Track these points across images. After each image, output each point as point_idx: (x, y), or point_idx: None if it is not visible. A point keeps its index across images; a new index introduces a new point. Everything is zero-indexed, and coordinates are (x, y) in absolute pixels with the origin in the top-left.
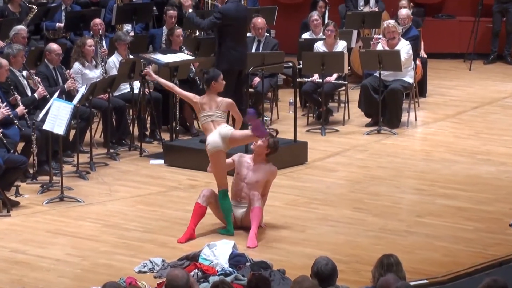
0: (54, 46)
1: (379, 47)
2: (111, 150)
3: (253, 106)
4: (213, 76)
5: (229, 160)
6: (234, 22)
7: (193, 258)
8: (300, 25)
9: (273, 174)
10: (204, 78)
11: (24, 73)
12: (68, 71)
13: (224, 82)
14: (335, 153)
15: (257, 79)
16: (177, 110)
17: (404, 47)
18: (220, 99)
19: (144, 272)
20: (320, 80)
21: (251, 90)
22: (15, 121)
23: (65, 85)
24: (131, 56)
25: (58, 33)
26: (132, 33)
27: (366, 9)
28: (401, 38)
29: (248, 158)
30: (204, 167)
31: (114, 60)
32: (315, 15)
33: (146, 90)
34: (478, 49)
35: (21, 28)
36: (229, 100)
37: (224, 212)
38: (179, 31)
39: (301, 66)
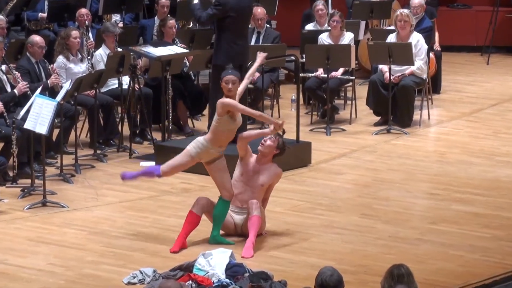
0: (36, 38)
1: (389, 38)
2: (98, 151)
3: (251, 103)
4: None
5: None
6: (235, 13)
7: (187, 269)
8: (303, 15)
9: (278, 177)
10: None
11: (3, 67)
12: (52, 65)
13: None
14: (341, 154)
15: (256, 74)
16: (170, 107)
17: (419, 39)
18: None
19: (134, 284)
20: (325, 75)
21: (250, 86)
22: None
23: (48, 81)
24: (119, 49)
25: (40, 24)
26: (121, 24)
27: None
28: (413, 30)
29: (253, 159)
30: (199, 170)
31: (102, 54)
32: (319, 4)
33: (136, 85)
34: (497, 41)
35: (0, 18)
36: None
37: (215, 217)
38: (172, 22)
39: (304, 60)
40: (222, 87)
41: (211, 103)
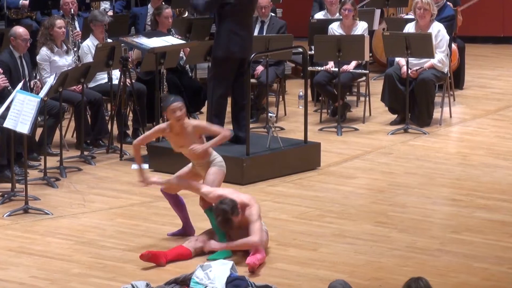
0: (20, 30)
1: (407, 28)
2: (85, 153)
3: (255, 100)
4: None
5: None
6: (234, 1)
7: (184, 282)
8: (313, 2)
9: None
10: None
11: None
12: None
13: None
14: (353, 156)
15: (260, 68)
16: None
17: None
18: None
19: None
20: (336, 69)
21: (253, 80)
22: None
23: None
24: (109, 40)
25: (21, 13)
26: (110, 13)
27: None
28: (434, 20)
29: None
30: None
31: (89, 45)
32: None
33: (128, 80)
34: None
35: None
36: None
37: (215, 229)
38: (168, 11)
39: (313, 52)
40: (169, 117)
41: (210, 100)
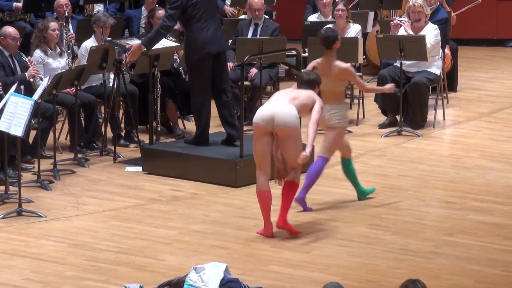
0: (9, 29)
1: (401, 31)
2: (79, 155)
3: (248, 103)
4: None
5: None
6: (193, 0)
7: (177, 284)
8: (306, 5)
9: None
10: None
11: None
12: (29, 57)
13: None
14: None
15: (254, 70)
16: (158, 107)
17: (431, 32)
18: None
19: None
20: None
21: (247, 83)
22: None
23: (26, 73)
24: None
25: (15, 15)
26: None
27: None
28: (428, 21)
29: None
30: (190, 175)
31: (88, 46)
32: None
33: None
34: None
35: None
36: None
37: (350, 178)
38: (161, 12)
39: (306, 54)
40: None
41: (192, 103)
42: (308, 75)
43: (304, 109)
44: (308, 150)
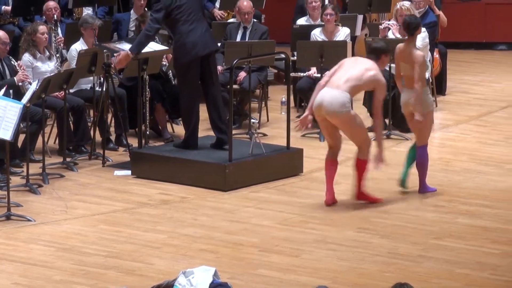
0: None
1: (390, 35)
2: (68, 159)
3: (237, 106)
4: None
5: None
6: (177, 3)
7: None
8: (295, 8)
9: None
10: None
11: None
12: (19, 62)
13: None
14: None
15: (243, 74)
16: (147, 110)
17: (419, 35)
18: None
19: None
20: (318, 75)
21: (235, 86)
22: None
23: (15, 78)
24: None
25: (4, 18)
26: None
27: None
28: None
29: None
30: (178, 178)
31: (78, 49)
32: None
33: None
34: (508, 37)
35: None
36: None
37: (406, 164)
38: None
39: (295, 58)
40: None
41: (181, 106)
42: (375, 42)
43: (357, 90)
44: (379, 154)
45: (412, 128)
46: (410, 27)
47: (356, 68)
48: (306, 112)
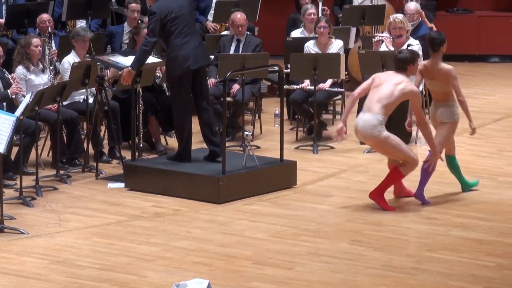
0: None
1: (383, 47)
2: (61, 172)
3: (231, 119)
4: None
5: None
6: (171, 15)
7: None
8: (287, 21)
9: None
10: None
11: None
12: (12, 75)
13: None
14: (329, 175)
15: (236, 86)
16: (141, 123)
17: (412, 47)
18: None
19: None
20: (312, 88)
21: (229, 99)
22: None
23: (9, 90)
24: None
25: None
26: None
27: (367, 3)
28: (409, 36)
29: None
30: (172, 191)
31: (70, 61)
32: (311, 8)
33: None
34: (501, 49)
35: None
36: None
37: (454, 173)
38: (146, 30)
39: (288, 70)
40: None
41: (174, 119)
42: (400, 52)
43: (389, 108)
44: (433, 153)
45: (437, 136)
46: (434, 43)
47: (386, 85)
48: (340, 124)
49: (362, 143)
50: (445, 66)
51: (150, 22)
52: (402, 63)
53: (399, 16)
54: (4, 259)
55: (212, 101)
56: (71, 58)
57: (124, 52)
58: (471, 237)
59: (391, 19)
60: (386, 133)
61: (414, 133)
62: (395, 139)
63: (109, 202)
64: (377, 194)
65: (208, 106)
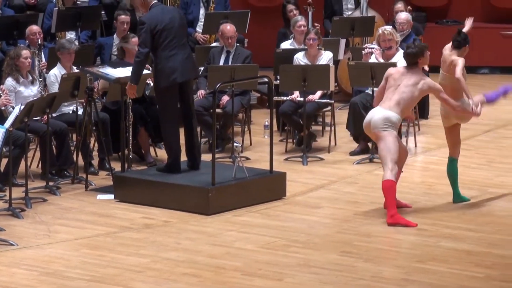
0: None
1: (373, 58)
2: (51, 183)
3: (220, 130)
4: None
5: None
6: (161, 27)
7: None
8: (278, 33)
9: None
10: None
11: None
12: (1, 86)
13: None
14: (319, 186)
15: (225, 98)
16: (130, 134)
17: (402, 59)
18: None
19: None
20: (301, 99)
21: (218, 110)
22: None
23: None
24: (74, 68)
25: None
26: (76, 42)
27: (357, 14)
28: (399, 48)
29: None
30: (161, 202)
31: (57, 74)
32: (301, 20)
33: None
34: (490, 61)
35: None
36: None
37: (450, 178)
38: (134, 40)
39: (278, 81)
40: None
41: (162, 131)
42: (408, 48)
43: (409, 109)
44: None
45: (449, 142)
46: (455, 39)
47: (406, 88)
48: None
49: (351, 153)
50: (455, 56)
51: (140, 33)
52: (411, 58)
53: (388, 28)
54: None
55: (201, 113)
56: (57, 71)
57: (113, 64)
58: (460, 248)
59: (380, 31)
60: (394, 133)
61: (404, 129)
62: (393, 145)
63: (99, 213)
64: (391, 217)
65: (190, 121)
